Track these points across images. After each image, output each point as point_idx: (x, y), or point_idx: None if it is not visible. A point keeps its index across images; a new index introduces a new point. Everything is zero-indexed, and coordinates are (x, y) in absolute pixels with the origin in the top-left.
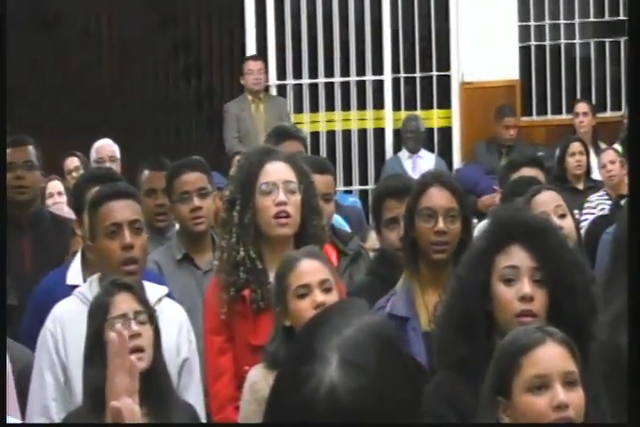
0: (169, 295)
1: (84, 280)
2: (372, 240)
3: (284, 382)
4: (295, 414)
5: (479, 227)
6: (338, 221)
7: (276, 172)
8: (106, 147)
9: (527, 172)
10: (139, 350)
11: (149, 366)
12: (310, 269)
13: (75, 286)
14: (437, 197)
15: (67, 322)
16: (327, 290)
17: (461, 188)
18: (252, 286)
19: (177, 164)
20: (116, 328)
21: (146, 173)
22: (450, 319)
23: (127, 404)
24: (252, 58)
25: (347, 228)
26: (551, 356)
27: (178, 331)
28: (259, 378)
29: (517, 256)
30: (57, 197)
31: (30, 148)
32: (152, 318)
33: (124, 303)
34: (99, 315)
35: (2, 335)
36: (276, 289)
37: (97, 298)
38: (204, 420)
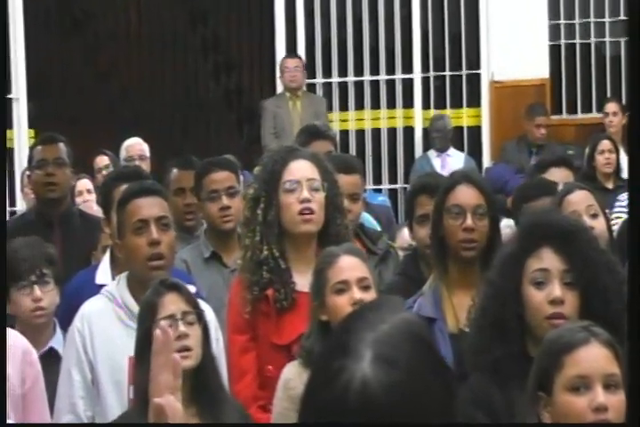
0: (197, 294)
1: (113, 279)
2: (402, 239)
3: (317, 376)
4: (327, 408)
5: (504, 223)
6: (367, 219)
7: (300, 170)
8: (135, 146)
9: (556, 171)
10: (186, 350)
11: (198, 365)
12: (349, 266)
13: (104, 286)
14: (465, 195)
15: (94, 320)
16: (365, 288)
17: (489, 187)
18: (276, 285)
19: (206, 162)
20: (160, 326)
21: (174, 172)
22: (482, 323)
23: (170, 401)
24: (290, 55)
25: (376, 226)
26: (594, 357)
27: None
28: (293, 375)
29: (548, 259)
30: (86, 196)
31: (61, 145)
32: (200, 318)
33: (172, 304)
34: (147, 316)
35: (2, 335)
36: (314, 283)
37: (146, 298)
38: None
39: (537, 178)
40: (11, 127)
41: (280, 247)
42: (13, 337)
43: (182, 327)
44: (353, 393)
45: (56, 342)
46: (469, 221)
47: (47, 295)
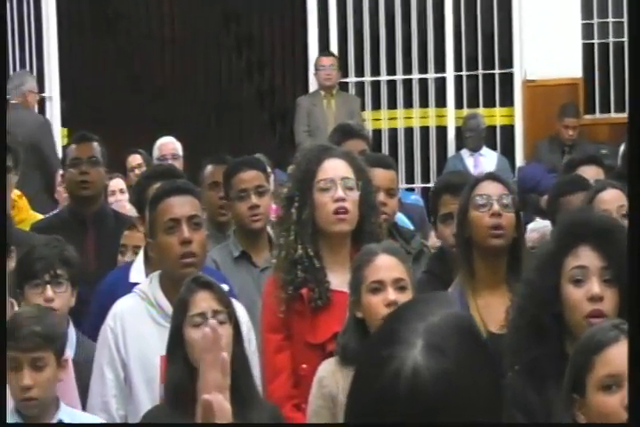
0: (230, 293)
1: (147, 277)
2: (435, 238)
3: (367, 363)
4: (377, 395)
5: (532, 226)
6: (400, 219)
7: (334, 168)
8: (168, 145)
9: (586, 170)
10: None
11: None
12: (386, 266)
13: (137, 284)
14: (490, 187)
15: (127, 318)
16: (401, 289)
17: (513, 186)
18: (310, 284)
19: (234, 162)
20: (210, 324)
21: (209, 167)
22: (520, 322)
23: (218, 399)
24: (325, 53)
25: (409, 225)
26: (624, 355)
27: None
28: (327, 373)
29: (586, 256)
30: (119, 195)
31: (95, 144)
32: (231, 318)
33: (203, 302)
34: (179, 312)
35: (2, 335)
36: (352, 280)
37: (179, 296)
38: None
39: (572, 174)
40: None
41: (314, 246)
42: None
43: None
44: (403, 380)
45: (69, 346)
46: (496, 207)
47: (60, 296)
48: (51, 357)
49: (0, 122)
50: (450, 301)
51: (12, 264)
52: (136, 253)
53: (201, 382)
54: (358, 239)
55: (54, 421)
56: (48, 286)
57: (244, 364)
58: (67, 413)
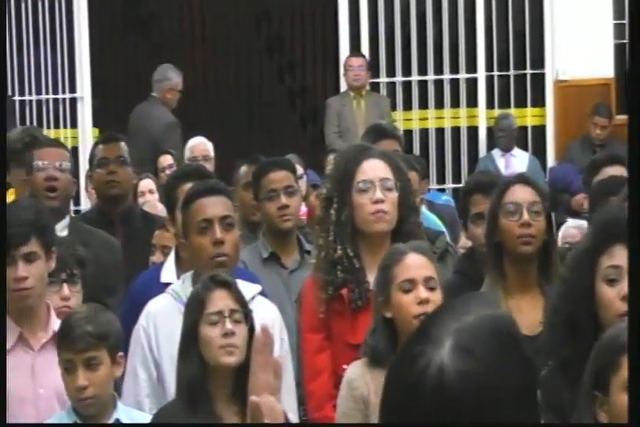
0: (262, 293)
1: (178, 278)
2: (465, 239)
3: (399, 359)
4: (405, 390)
5: (571, 223)
6: (431, 219)
7: (373, 169)
8: (200, 146)
9: (610, 170)
10: (232, 347)
11: (241, 364)
12: (417, 264)
13: (169, 284)
14: (520, 193)
15: (159, 319)
16: (432, 288)
17: (545, 188)
18: (350, 285)
19: (264, 162)
20: (262, 325)
21: (243, 167)
22: (555, 321)
23: (268, 401)
24: (354, 54)
25: (440, 226)
26: None
27: (270, 329)
28: (357, 376)
29: (621, 256)
30: (148, 196)
31: (122, 144)
32: (247, 318)
33: (220, 300)
34: (195, 310)
35: (2, 334)
36: (379, 279)
37: (195, 292)
38: (295, 418)
39: (614, 175)
40: (75, 126)
41: (354, 247)
42: None
43: (229, 325)
44: (429, 377)
45: None
46: (526, 217)
47: (75, 296)
48: (104, 355)
49: (0, 121)
50: (491, 301)
51: (52, 265)
52: (164, 253)
53: (252, 383)
54: (398, 239)
55: (112, 420)
56: (65, 285)
57: None
58: (124, 411)
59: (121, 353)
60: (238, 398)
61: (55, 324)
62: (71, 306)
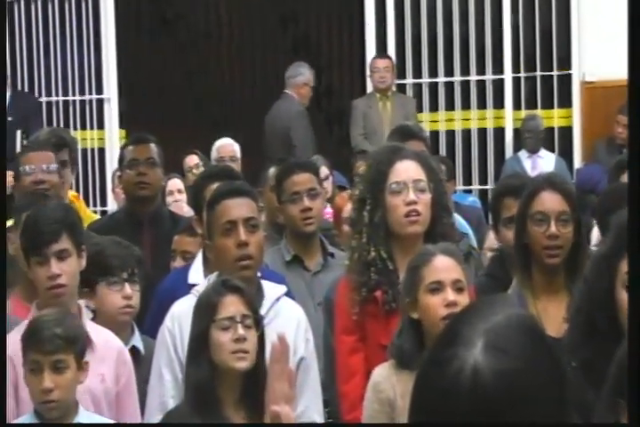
0: (287, 294)
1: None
2: (492, 240)
3: (429, 363)
4: (439, 394)
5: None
6: (457, 220)
7: (406, 170)
8: (227, 146)
9: None
10: (243, 352)
11: (251, 369)
12: (445, 267)
13: (195, 285)
14: (549, 201)
15: (184, 320)
16: (459, 290)
17: (573, 191)
18: (384, 287)
19: (287, 164)
20: (279, 335)
21: (272, 169)
22: (576, 321)
23: (286, 411)
24: (380, 56)
25: (467, 228)
26: None
27: (295, 330)
28: (383, 378)
29: None
30: (177, 195)
31: (152, 145)
32: (258, 324)
33: (232, 306)
34: (206, 314)
35: (2, 334)
36: (407, 281)
37: (205, 297)
38: (321, 419)
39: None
40: (102, 127)
41: (387, 248)
42: (108, 336)
43: (241, 331)
44: (464, 379)
45: (136, 340)
46: (553, 229)
47: (136, 295)
48: (71, 359)
49: (0, 120)
50: (513, 302)
51: (83, 263)
52: (184, 258)
53: (269, 392)
54: (431, 240)
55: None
56: (126, 284)
57: (264, 370)
58: (86, 416)
59: (86, 359)
60: (246, 403)
61: (87, 326)
62: (133, 305)
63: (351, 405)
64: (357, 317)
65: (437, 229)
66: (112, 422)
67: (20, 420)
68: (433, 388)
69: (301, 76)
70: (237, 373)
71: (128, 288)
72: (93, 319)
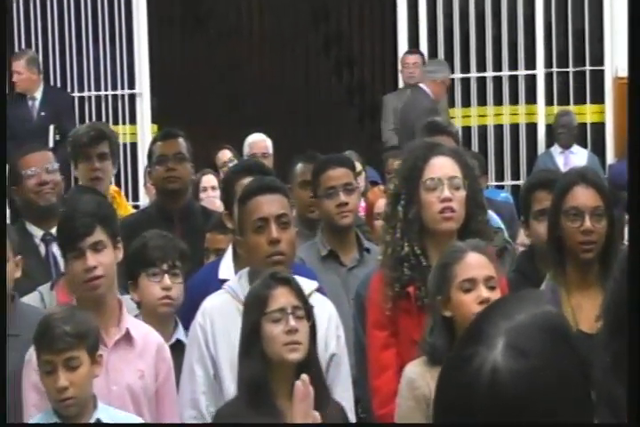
0: (319, 290)
1: (236, 274)
2: (523, 236)
3: (452, 360)
4: (459, 392)
5: None
6: (491, 216)
7: (441, 167)
8: (259, 143)
9: None
10: (295, 344)
11: (304, 360)
12: (477, 264)
13: (226, 280)
14: (583, 197)
15: (216, 315)
16: (492, 287)
17: (606, 185)
18: (417, 282)
19: (323, 159)
20: (302, 378)
21: (300, 165)
22: (607, 318)
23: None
24: (410, 51)
25: (499, 222)
26: None
27: (326, 326)
28: (417, 375)
29: None
30: (210, 192)
31: (181, 140)
32: (309, 314)
33: (282, 297)
34: (257, 308)
35: (2, 334)
36: (437, 278)
37: (255, 291)
38: (352, 416)
39: None
40: (134, 122)
41: (421, 244)
42: (148, 332)
43: (292, 322)
44: (483, 379)
45: (180, 334)
46: (588, 224)
47: (176, 287)
48: (84, 355)
49: (0, 120)
50: (542, 299)
51: (119, 256)
52: (218, 256)
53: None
54: (465, 237)
55: (92, 420)
56: (166, 275)
57: (317, 361)
58: (105, 411)
59: (100, 352)
60: None
61: (127, 321)
62: (173, 296)
63: (383, 400)
64: (390, 312)
65: (471, 227)
66: (133, 415)
67: (37, 418)
68: (454, 384)
69: (441, 73)
70: (290, 364)
71: (167, 279)
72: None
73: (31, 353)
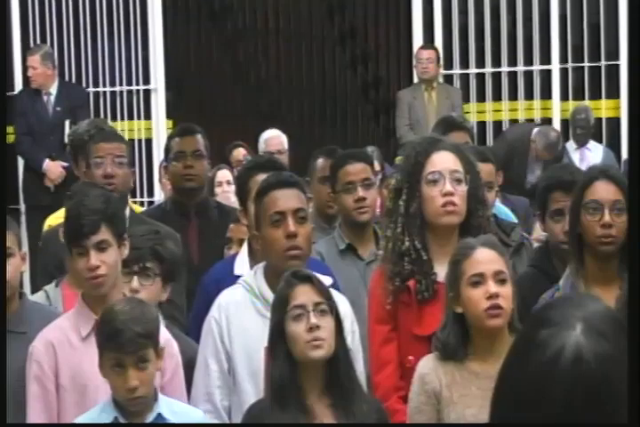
0: (334, 286)
1: (251, 269)
2: (539, 231)
3: (522, 345)
4: (537, 372)
5: None
6: (503, 211)
7: (443, 161)
8: (275, 139)
9: None
10: (319, 340)
11: (331, 357)
12: (486, 259)
13: (242, 276)
14: (603, 191)
15: (231, 310)
16: (502, 281)
17: (627, 181)
18: (417, 276)
19: (341, 154)
20: None
21: (320, 160)
22: (623, 313)
23: None
24: (424, 46)
25: (513, 218)
26: None
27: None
28: (429, 370)
29: None
30: (225, 187)
31: (199, 136)
32: (332, 309)
33: (303, 295)
34: (280, 308)
35: (2, 334)
36: (449, 275)
37: (278, 291)
38: None
39: None
40: (149, 118)
41: (422, 238)
42: None
43: (313, 319)
44: (566, 358)
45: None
46: (607, 218)
47: (146, 289)
48: (152, 352)
49: (0, 120)
50: (599, 298)
51: (125, 252)
52: (241, 246)
53: None
54: (466, 232)
55: (154, 413)
56: (135, 277)
57: (346, 356)
58: (166, 403)
59: (161, 345)
60: (330, 391)
61: None
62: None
63: (383, 394)
64: (391, 306)
65: (473, 221)
66: (189, 406)
67: (97, 408)
68: (527, 370)
69: None
70: (317, 362)
71: (135, 282)
72: None
73: (33, 346)
